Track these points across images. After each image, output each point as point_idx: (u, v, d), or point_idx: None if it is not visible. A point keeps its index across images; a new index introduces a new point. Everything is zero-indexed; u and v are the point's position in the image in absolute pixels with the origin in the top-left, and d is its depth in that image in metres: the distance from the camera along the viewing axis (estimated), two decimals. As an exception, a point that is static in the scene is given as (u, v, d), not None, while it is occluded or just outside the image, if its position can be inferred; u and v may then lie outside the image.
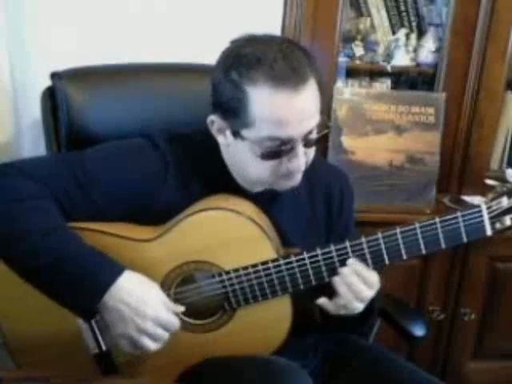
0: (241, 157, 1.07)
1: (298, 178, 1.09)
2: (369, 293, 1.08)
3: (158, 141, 1.13)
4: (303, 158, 1.05)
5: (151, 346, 1.01)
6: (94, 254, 1.00)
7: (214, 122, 1.08)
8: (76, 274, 0.97)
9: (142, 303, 0.99)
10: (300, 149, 1.03)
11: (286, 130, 1.00)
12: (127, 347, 1.02)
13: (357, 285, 1.06)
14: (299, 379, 1.03)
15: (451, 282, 1.92)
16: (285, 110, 0.99)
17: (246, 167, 1.07)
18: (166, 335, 1.02)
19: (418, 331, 1.31)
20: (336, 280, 1.07)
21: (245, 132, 1.02)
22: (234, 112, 1.02)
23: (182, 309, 1.06)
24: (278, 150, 1.02)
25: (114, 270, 0.99)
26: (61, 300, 1.01)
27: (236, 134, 1.04)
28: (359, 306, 1.08)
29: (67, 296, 0.99)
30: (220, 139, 1.09)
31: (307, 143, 1.04)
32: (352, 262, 1.06)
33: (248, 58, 1.00)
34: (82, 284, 0.97)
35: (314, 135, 1.05)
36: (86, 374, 1.09)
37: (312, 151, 1.09)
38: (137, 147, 1.13)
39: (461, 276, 1.91)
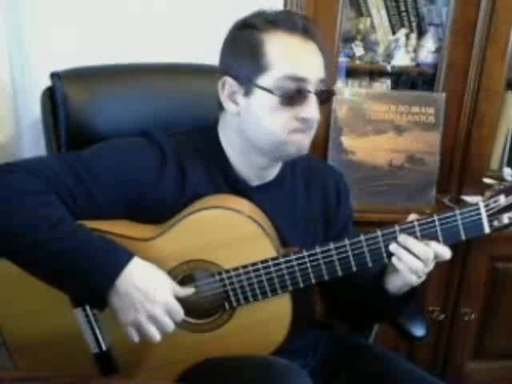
0: (254, 117, 1.08)
1: (307, 141, 1.10)
2: (419, 265, 1.05)
3: (157, 137, 1.14)
4: (317, 106, 1.07)
5: (156, 336, 1.02)
6: (103, 241, 1.00)
7: (226, 82, 1.10)
8: (87, 261, 0.97)
9: (152, 288, 1.00)
10: (313, 96, 1.06)
11: (302, 69, 1.05)
12: (134, 336, 1.02)
13: (407, 257, 1.05)
14: (299, 379, 1.03)
15: (451, 282, 1.92)
16: (299, 49, 1.06)
17: (259, 129, 1.08)
18: (171, 325, 1.02)
19: (418, 331, 1.31)
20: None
21: (261, 80, 1.05)
22: (249, 61, 1.06)
23: (191, 290, 1.06)
24: (295, 92, 1.05)
25: (124, 255, 1.00)
26: (72, 288, 1.01)
27: (249, 89, 1.07)
28: (412, 278, 1.07)
29: (79, 283, 0.99)
30: (230, 108, 1.11)
31: (318, 95, 1.07)
32: (402, 238, 1.05)
33: (262, 15, 1.09)
34: (94, 270, 0.97)
35: (323, 89, 1.09)
36: (86, 374, 1.10)
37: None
38: (135, 143, 1.14)
39: (461, 276, 1.91)
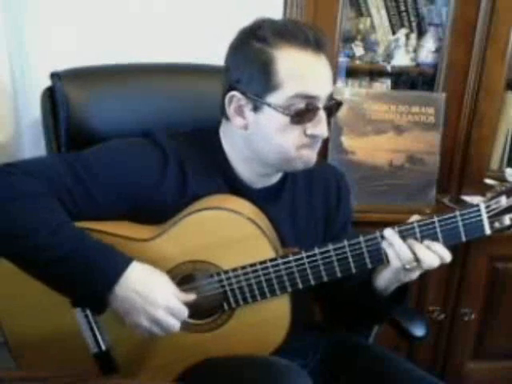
0: (263, 133, 1.08)
1: (314, 156, 1.11)
2: (408, 253, 1.03)
3: (158, 138, 1.14)
4: (325, 123, 1.07)
5: (163, 335, 1.03)
6: (101, 246, 1.00)
7: (234, 97, 1.08)
8: (86, 267, 0.97)
9: (153, 292, 1.00)
10: (323, 113, 1.06)
11: (313, 87, 1.04)
12: (144, 334, 1.03)
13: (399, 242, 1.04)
14: (299, 379, 1.03)
15: (451, 282, 1.92)
16: (311, 67, 1.05)
17: (268, 144, 1.08)
18: (177, 324, 1.03)
19: (418, 331, 1.31)
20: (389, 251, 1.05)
21: (271, 98, 1.04)
22: (260, 78, 1.04)
23: (192, 297, 1.06)
24: (305, 111, 1.04)
25: (123, 260, 1.00)
26: (70, 292, 1.01)
27: (258, 106, 1.06)
28: (397, 264, 1.04)
29: (77, 288, 0.99)
30: (237, 122, 1.10)
31: (327, 110, 1.07)
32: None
33: (272, 27, 1.06)
34: (93, 275, 0.97)
35: (332, 103, 1.09)
36: (86, 374, 1.10)
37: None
38: (136, 143, 1.14)
39: (461, 276, 1.91)
